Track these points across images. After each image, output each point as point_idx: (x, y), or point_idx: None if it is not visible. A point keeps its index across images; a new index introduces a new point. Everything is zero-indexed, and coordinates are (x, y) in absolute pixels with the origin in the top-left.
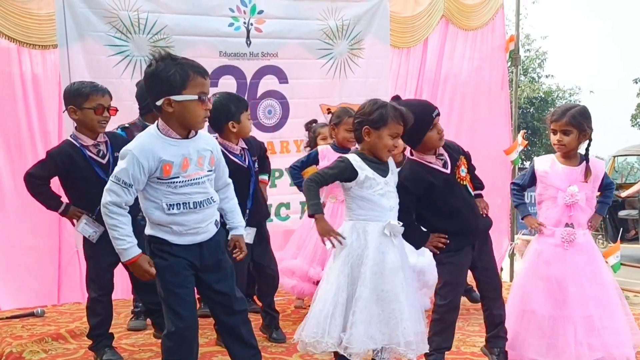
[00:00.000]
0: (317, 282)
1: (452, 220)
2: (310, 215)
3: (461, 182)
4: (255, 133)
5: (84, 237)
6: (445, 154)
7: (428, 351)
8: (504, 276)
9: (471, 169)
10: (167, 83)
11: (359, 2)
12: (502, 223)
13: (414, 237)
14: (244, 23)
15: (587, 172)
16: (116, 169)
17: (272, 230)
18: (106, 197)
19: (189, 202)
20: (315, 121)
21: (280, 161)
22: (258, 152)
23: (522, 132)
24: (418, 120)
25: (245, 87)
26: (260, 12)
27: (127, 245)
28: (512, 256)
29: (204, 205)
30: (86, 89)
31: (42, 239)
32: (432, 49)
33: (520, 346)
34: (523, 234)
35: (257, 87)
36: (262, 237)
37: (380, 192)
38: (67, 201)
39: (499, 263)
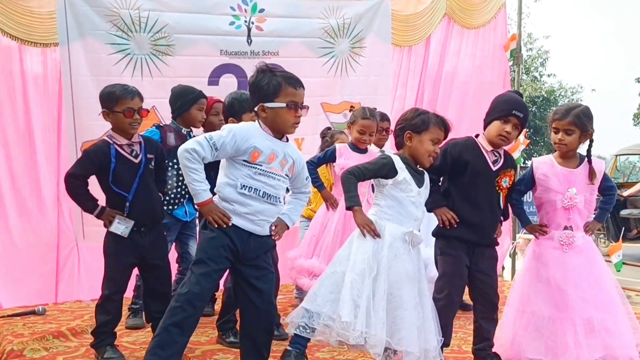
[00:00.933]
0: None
1: (472, 211)
2: (348, 208)
3: (497, 188)
4: None
5: (107, 235)
6: (502, 157)
7: None
8: (506, 275)
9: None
10: (262, 92)
11: (360, 0)
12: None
13: (430, 198)
14: (245, 22)
15: (592, 174)
16: (213, 133)
17: None
18: (192, 144)
19: (260, 190)
20: (329, 128)
21: None
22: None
23: (524, 131)
24: (499, 104)
25: (246, 86)
26: (262, 10)
27: (203, 187)
28: (513, 255)
29: (270, 199)
30: (116, 93)
31: (41, 237)
32: (434, 47)
33: (519, 347)
34: (525, 233)
35: None
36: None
37: (412, 199)
38: (103, 204)
39: (500, 262)
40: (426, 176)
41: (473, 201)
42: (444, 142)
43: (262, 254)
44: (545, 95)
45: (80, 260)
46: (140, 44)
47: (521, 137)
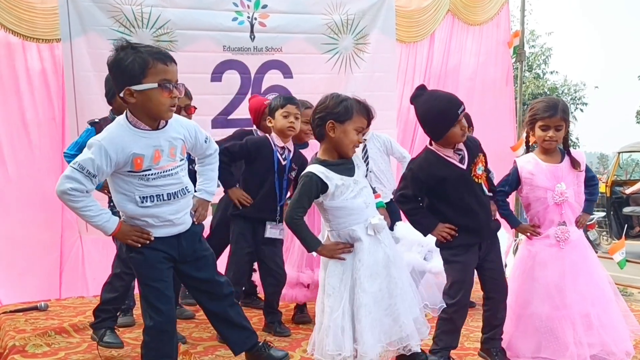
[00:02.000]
0: (309, 286)
1: (464, 216)
2: (310, 251)
3: (476, 180)
4: None
5: None
6: (464, 150)
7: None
8: (508, 272)
9: (487, 169)
10: (126, 73)
11: None
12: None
13: (421, 223)
14: (248, 17)
15: (575, 162)
16: (79, 158)
17: None
18: (65, 185)
19: (162, 194)
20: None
21: None
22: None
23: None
24: (443, 114)
25: (249, 82)
26: (264, 6)
27: (106, 218)
28: (515, 252)
29: (178, 196)
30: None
31: (44, 232)
32: (438, 43)
33: (518, 348)
34: None
35: (261, 81)
36: (274, 240)
37: (352, 194)
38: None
39: (502, 259)
40: (354, 157)
41: (462, 206)
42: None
43: (197, 245)
44: (547, 92)
45: (85, 255)
46: (143, 40)
47: (523, 134)
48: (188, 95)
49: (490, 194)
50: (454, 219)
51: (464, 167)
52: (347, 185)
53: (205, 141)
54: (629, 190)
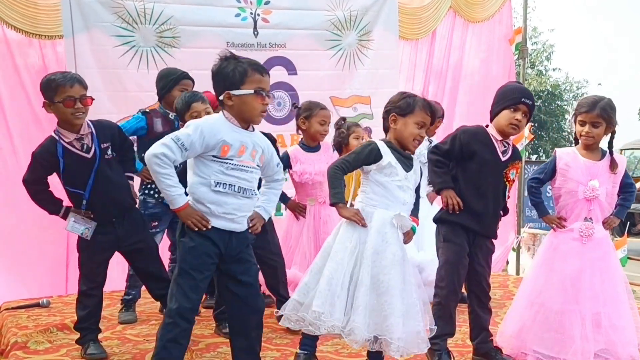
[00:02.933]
0: None
1: (477, 199)
2: (332, 204)
3: (505, 179)
4: (264, 125)
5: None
6: (511, 147)
7: (429, 345)
8: (510, 269)
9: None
10: (228, 79)
11: None
12: (508, 216)
13: (440, 176)
14: (251, 14)
15: (613, 164)
16: (178, 132)
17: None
18: (159, 148)
19: (234, 185)
20: (344, 119)
21: None
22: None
23: (529, 125)
24: (507, 93)
25: None
26: (267, 2)
27: (179, 192)
28: (517, 249)
29: (246, 194)
30: (55, 82)
31: (48, 230)
32: (440, 40)
33: (525, 337)
34: (529, 227)
35: None
36: (264, 229)
37: (399, 183)
38: (68, 204)
39: (504, 256)
40: (415, 161)
41: (479, 189)
42: (456, 128)
43: (244, 248)
44: (550, 89)
45: None
46: (146, 36)
47: (526, 131)
48: (83, 84)
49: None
50: (466, 196)
51: (503, 159)
52: (398, 172)
53: (277, 165)
54: None
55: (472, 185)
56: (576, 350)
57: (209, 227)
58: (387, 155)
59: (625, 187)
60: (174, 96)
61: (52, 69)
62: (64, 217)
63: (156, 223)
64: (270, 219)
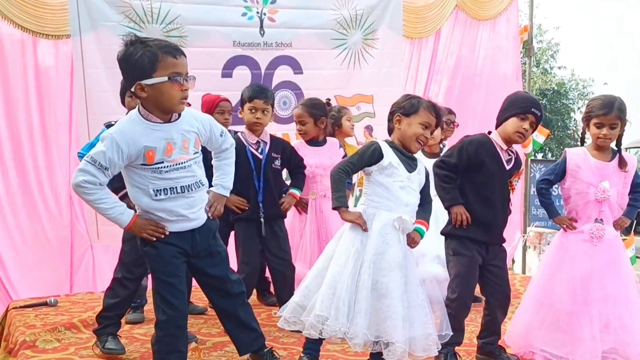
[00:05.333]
0: None
1: (485, 210)
2: (334, 208)
3: (509, 186)
4: (270, 124)
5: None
6: (514, 157)
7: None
8: (516, 268)
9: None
10: (137, 68)
11: None
12: (514, 214)
13: (449, 192)
14: (257, 13)
15: (623, 162)
16: (93, 151)
17: None
18: (79, 177)
19: (176, 187)
20: (330, 100)
21: None
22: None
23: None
24: (517, 101)
25: (259, 78)
26: (273, 1)
27: (120, 210)
28: (524, 248)
29: (192, 189)
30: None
31: (54, 230)
32: (444, 39)
33: (534, 338)
34: (535, 226)
35: (271, 77)
36: (275, 235)
37: (401, 184)
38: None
39: (510, 255)
40: (419, 163)
41: (487, 201)
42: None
43: (211, 241)
44: (555, 87)
45: (95, 256)
46: (153, 35)
47: (535, 133)
48: None
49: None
50: (474, 209)
51: (507, 168)
52: (401, 173)
53: (221, 135)
54: None
55: (480, 197)
56: (585, 351)
57: (167, 233)
58: (389, 155)
59: (636, 187)
60: (131, 103)
61: (58, 69)
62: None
63: None
64: (282, 222)
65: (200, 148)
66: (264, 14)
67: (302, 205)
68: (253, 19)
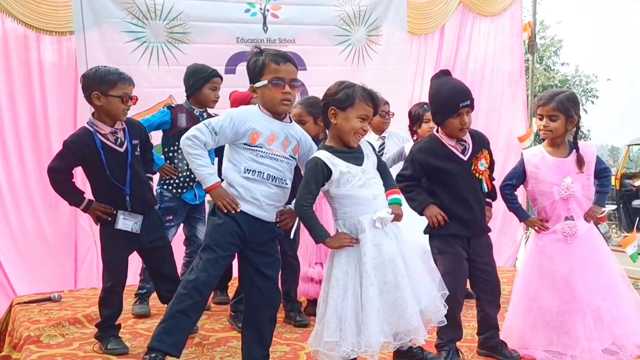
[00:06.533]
0: (320, 281)
1: (459, 205)
2: (318, 243)
3: (476, 174)
4: None
5: (101, 229)
6: (469, 142)
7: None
8: (519, 265)
9: (491, 166)
10: (250, 73)
11: None
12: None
13: (415, 199)
14: (260, 9)
15: (580, 162)
16: (212, 119)
17: None
18: (192, 131)
19: (263, 172)
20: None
21: None
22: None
23: (535, 118)
24: (444, 102)
25: None
26: None
27: (209, 171)
28: (526, 245)
29: (276, 182)
30: (114, 77)
31: (59, 226)
32: (449, 35)
33: (529, 341)
34: None
35: None
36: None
37: (359, 183)
38: (90, 197)
39: (514, 253)
40: (362, 144)
41: (458, 196)
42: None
43: (269, 240)
44: (558, 84)
45: (99, 252)
46: (156, 31)
47: (534, 125)
48: (133, 84)
49: (488, 199)
50: (448, 205)
51: (465, 158)
52: (354, 173)
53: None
54: (638, 183)
55: (451, 195)
56: (583, 347)
57: (238, 210)
58: (336, 167)
59: (600, 173)
60: (205, 94)
61: (62, 65)
62: (85, 209)
63: (171, 217)
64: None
65: (296, 155)
66: (267, 11)
67: None
68: (256, 15)
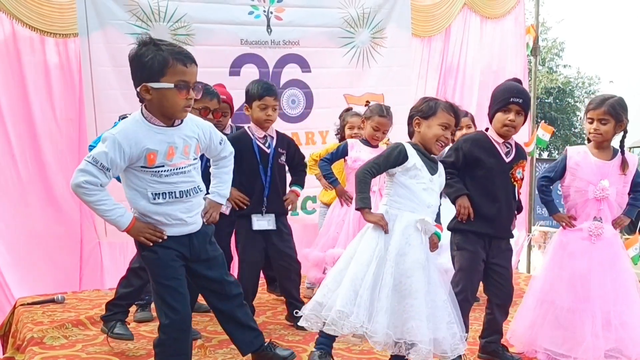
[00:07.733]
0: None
1: (488, 203)
2: (358, 209)
3: (512, 180)
4: (279, 123)
5: None
6: (514, 147)
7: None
8: (521, 268)
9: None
10: (146, 69)
11: None
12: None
13: (453, 186)
14: (264, 11)
15: (624, 164)
16: (94, 151)
17: (299, 223)
18: (79, 178)
19: (174, 192)
20: (348, 110)
21: (306, 153)
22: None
23: (542, 122)
24: (497, 96)
25: (267, 76)
26: (280, 0)
27: (120, 212)
28: (528, 247)
29: (190, 195)
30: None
31: (63, 227)
32: (453, 37)
33: (536, 335)
34: (540, 225)
35: (279, 76)
36: (280, 232)
37: (424, 186)
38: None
39: (516, 255)
40: (440, 166)
41: (490, 194)
42: (459, 135)
43: (207, 244)
44: (561, 86)
45: (103, 254)
46: (160, 33)
47: (540, 130)
48: (217, 98)
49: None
50: (478, 202)
51: (507, 160)
52: (423, 175)
53: (220, 143)
54: None
55: (482, 191)
56: (587, 348)
57: (165, 237)
58: (413, 157)
59: (636, 187)
60: None
61: (68, 68)
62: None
63: None
64: (285, 222)
65: (199, 154)
66: (271, 13)
67: (346, 198)
68: (260, 17)
